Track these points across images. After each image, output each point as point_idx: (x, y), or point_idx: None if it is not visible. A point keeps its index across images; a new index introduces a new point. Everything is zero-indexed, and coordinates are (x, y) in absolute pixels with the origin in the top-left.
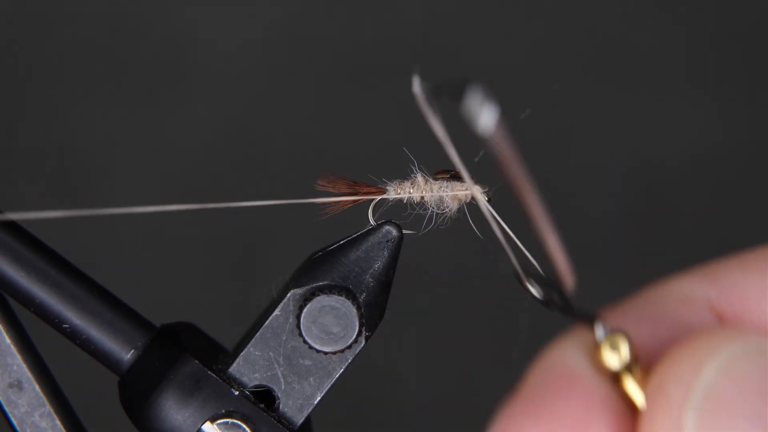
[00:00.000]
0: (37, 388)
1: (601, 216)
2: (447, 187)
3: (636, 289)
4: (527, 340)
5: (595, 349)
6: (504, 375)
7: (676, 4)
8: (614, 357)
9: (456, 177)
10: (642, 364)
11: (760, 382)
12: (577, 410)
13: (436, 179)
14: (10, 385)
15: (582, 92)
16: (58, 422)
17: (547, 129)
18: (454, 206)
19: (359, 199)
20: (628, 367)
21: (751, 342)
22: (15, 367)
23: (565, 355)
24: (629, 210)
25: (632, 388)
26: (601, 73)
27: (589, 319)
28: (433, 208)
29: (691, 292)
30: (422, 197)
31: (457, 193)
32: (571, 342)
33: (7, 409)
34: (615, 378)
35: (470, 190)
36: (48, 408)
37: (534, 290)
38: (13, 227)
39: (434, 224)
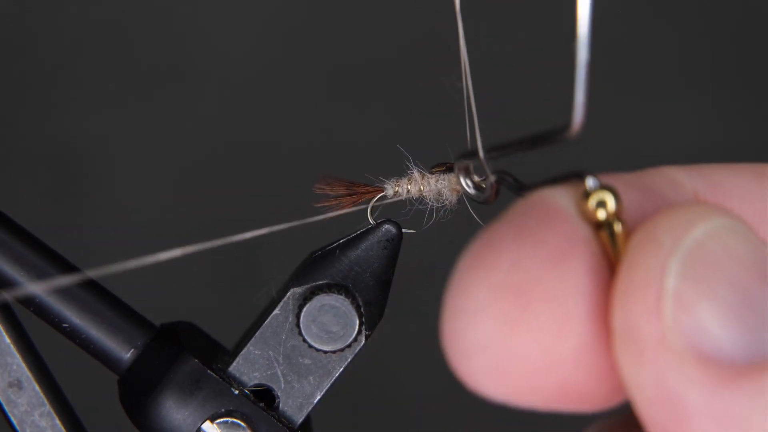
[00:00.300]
0: (37, 387)
1: None
2: (444, 179)
3: None
4: None
5: (581, 200)
6: None
7: (674, 4)
8: (601, 209)
9: (452, 169)
10: (625, 228)
11: (746, 256)
12: (559, 239)
13: (432, 173)
14: (10, 385)
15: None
16: (57, 421)
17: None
18: (453, 198)
19: (358, 200)
20: (611, 223)
21: (740, 223)
22: (15, 367)
23: (551, 196)
24: None
25: (617, 240)
26: (600, 73)
27: (575, 175)
28: (432, 202)
29: (680, 178)
30: (420, 192)
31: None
32: (558, 190)
33: (6, 408)
34: (599, 230)
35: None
36: (48, 407)
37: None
38: (13, 226)
39: (435, 218)
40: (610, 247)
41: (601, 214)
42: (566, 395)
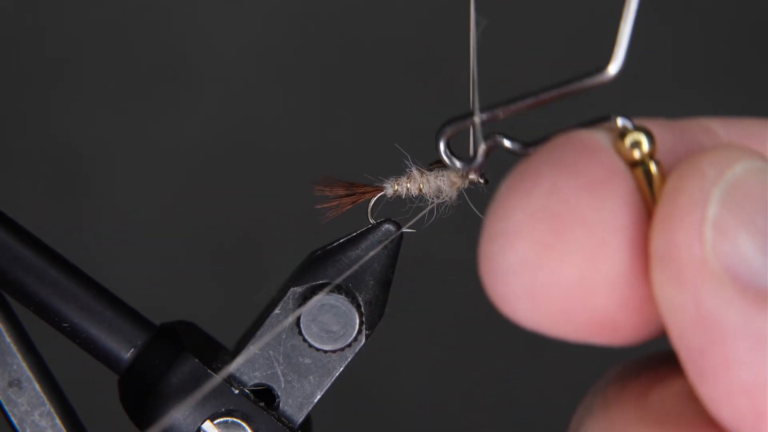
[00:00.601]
0: (37, 387)
1: None
2: (443, 175)
3: None
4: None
5: (616, 140)
6: (504, 375)
7: (672, 5)
8: (636, 149)
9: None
10: (660, 169)
11: None
12: (597, 169)
13: (431, 170)
14: (10, 384)
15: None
16: (58, 421)
17: (546, 130)
18: (453, 193)
19: (358, 200)
20: (646, 163)
21: None
22: (15, 366)
23: (587, 132)
24: None
25: (652, 179)
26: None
27: (604, 119)
28: (432, 198)
29: (715, 128)
30: (420, 189)
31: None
32: (593, 129)
33: (6, 408)
34: (633, 169)
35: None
36: (48, 407)
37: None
38: (13, 226)
39: (436, 216)
40: (645, 186)
41: (637, 154)
42: (597, 325)
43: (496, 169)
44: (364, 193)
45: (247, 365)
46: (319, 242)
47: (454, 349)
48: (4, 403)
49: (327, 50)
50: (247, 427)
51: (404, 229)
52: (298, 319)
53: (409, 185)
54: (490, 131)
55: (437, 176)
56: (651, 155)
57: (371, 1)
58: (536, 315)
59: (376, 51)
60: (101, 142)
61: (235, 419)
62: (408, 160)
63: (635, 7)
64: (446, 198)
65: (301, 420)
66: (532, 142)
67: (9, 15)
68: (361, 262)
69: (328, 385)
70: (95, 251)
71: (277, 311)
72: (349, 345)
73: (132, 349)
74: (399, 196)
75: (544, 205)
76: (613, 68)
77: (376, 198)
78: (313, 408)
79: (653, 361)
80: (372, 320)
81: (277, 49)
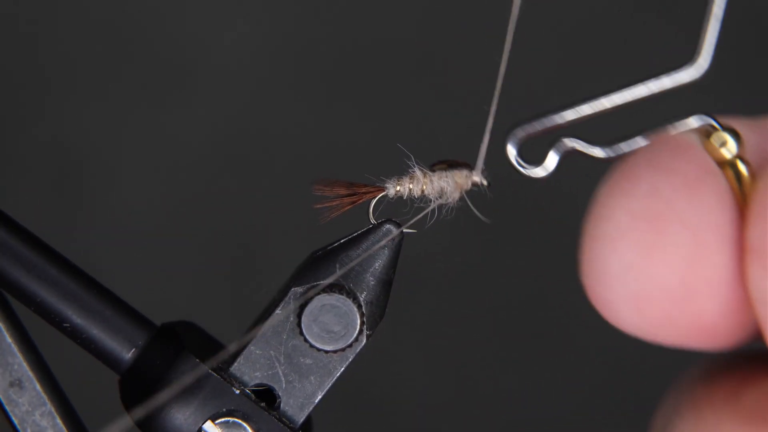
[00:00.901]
0: (38, 387)
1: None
2: (446, 176)
3: None
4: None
5: (704, 140)
6: (504, 376)
7: (670, 5)
8: (725, 149)
9: (453, 165)
10: (749, 168)
11: None
12: (692, 168)
13: (433, 171)
14: (11, 384)
15: (578, 91)
16: (59, 421)
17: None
18: (455, 195)
19: (359, 200)
20: (735, 163)
21: None
22: (16, 366)
23: (679, 134)
24: None
25: (742, 178)
26: (597, 74)
27: (688, 118)
28: (435, 199)
29: None
30: (423, 190)
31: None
32: (681, 131)
33: (7, 408)
34: (722, 169)
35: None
36: (49, 407)
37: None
38: (13, 226)
39: (437, 216)
40: (735, 185)
41: (726, 153)
42: (699, 329)
43: (500, 172)
44: (365, 193)
45: (248, 365)
46: (320, 242)
47: (454, 349)
48: (5, 402)
49: (327, 52)
50: (247, 428)
51: (405, 229)
52: (299, 319)
53: (411, 186)
54: (556, 135)
55: (440, 177)
56: (739, 154)
57: (375, 1)
58: (640, 321)
59: (377, 51)
60: (102, 142)
61: (236, 419)
62: (411, 161)
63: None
64: (449, 199)
65: (302, 420)
66: (611, 144)
67: (9, 15)
68: (357, 260)
69: (329, 386)
70: (96, 251)
71: (278, 311)
72: (350, 345)
73: (133, 349)
74: (400, 197)
75: (644, 206)
76: (703, 63)
77: (377, 198)
78: (314, 408)
79: (742, 359)
80: (373, 320)
81: (279, 50)
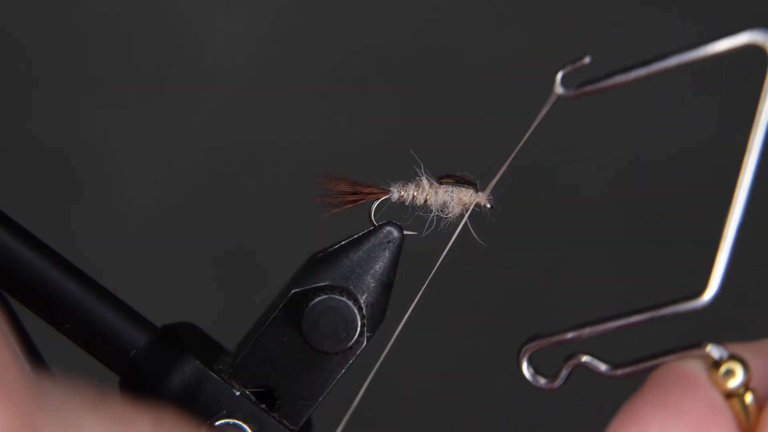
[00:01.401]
0: None
1: (606, 213)
2: (452, 191)
3: (632, 281)
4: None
5: (711, 369)
6: (505, 376)
7: (669, 5)
8: (731, 379)
9: (461, 182)
10: (756, 395)
11: None
12: (700, 408)
13: (441, 183)
14: None
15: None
16: None
17: (547, 130)
18: (457, 211)
19: (362, 200)
20: (741, 394)
21: None
22: None
23: (685, 365)
24: (622, 202)
25: (747, 408)
26: (596, 73)
27: (696, 345)
28: (436, 211)
29: None
30: (426, 200)
31: (463, 197)
32: (691, 359)
33: None
34: (729, 399)
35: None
36: None
37: None
38: (13, 226)
39: (435, 227)
40: (742, 417)
41: (732, 384)
42: None
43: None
44: (368, 193)
45: (248, 367)
46: (321, 244)
47: (454, 350)
48: None
49: (327, 53)
50: (248, 429)
51: (406, 232)
52: (300, 321)
53: (415, 193)
54: (573, 350)
55: (446, 190)
56: (746, 384)
57: (382, 1)
58: None
59: (380, 52)
60: (102, 144)
61: (236, 421)
62: (420, 169)
63: (733, 236)
64: (449, 213)
65: (302, 422)
66: (619, 363)
67: (9, 15)
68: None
69: (329, 388)
70: (97, 252)
71: (278, 313)
72: (351, 347)
73: (133, 351)
74: (402, 202)
75: None
76: (708, 295)
77: (380, 200)
78: (314, 410)
79: None
80: (373, 323)
81: (281, 49)
